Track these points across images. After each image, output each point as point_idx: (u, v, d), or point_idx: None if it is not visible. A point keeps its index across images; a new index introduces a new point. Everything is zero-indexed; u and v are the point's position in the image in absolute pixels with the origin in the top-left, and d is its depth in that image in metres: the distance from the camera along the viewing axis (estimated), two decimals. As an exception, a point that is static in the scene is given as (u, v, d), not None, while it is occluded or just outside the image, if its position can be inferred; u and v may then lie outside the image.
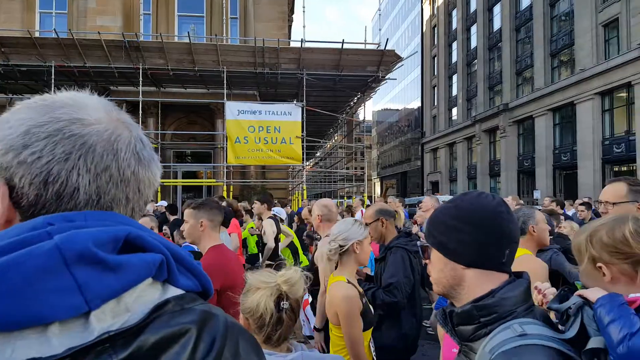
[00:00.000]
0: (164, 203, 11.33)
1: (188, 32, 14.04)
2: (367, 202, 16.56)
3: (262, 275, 1.62)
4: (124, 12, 16.42)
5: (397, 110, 59.14)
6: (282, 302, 1.56)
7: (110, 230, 0.58)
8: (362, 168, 21.45)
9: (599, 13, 21.93)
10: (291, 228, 8.71)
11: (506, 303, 1.00)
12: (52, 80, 13.49)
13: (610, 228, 1.33)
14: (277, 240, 6.02)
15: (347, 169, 27.55)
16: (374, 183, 68.39)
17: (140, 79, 13.77)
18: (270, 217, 6.08)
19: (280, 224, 6.39)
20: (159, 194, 14.76)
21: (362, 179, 19.81)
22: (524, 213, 2.78)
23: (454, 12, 40.59)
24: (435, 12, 44.72)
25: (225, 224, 4.91)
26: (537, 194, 24.17)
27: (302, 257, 6.79)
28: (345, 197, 27.56)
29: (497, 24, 33.18)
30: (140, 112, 14.15)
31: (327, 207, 3.65)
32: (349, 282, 2.38)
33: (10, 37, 13.39)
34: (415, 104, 50.76)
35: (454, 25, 40.55)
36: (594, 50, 22.10)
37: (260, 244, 6.27)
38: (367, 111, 72.85)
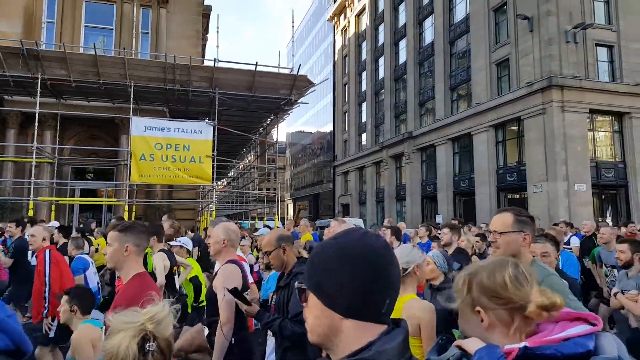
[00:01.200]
0: (56, 224, 10.14)
1: (94, 44, 13.50)
2: (278, 223, 16.78)
3: (125, 314, 1.43)
4: (24, 18, 15.39)
5: (311, 133, 60.71)
6: (147, 344, 1.37)
7: None
8: (275, 189, 21.73)
9: (492, 53, 24.69)
10: (204, 251, 8.34)
11: (383, 357, 0.91)
12: None
13: (490, 271, 1.29)
14: (173, 274, 5.27)
15: (260, 189, 27.62)
16: (287, 204, 68.93)
17: (39, 89, 12.93)
18: (161, 250, 5.23)
19: (180, 256, 5.81)
20: (53, 213, 13.74)
21: (275, 200, 20.05)
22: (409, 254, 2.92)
23: (364, 44, 43.14)
24: (347, 42, 47.16)
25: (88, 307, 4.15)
26: (439, 218, 26.04)
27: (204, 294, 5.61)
28: (257, 219, 27.56)
29: (402, 58, 35.81)
30: (37, 124, 13.23)
31: (235, 233, 3.41)
32: None
33: None
34: (328, 128, 52.57)
35: (364, 56, 43.01)
36: (488, 86, 24.73)
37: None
38: (281, 133, 73.77)
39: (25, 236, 6.64)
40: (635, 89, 20.98)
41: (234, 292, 2.89)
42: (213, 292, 3.16)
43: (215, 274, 3.38)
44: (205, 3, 19.01)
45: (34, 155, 13.18)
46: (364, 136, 42.62)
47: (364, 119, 42.71)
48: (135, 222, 2.86)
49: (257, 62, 14.23)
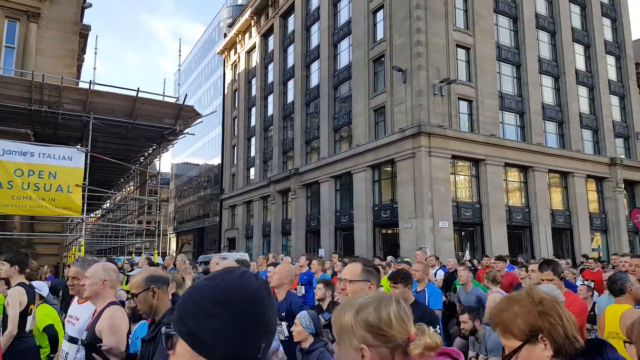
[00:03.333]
0: None
1: (-58, 54, 11.89)
2: (157, 258, 15.88)
3: None
4: None
5: (198, 165, 59.07)
6: None
7: None
8: (157, 222, 20.60)
9: (371, 99, 26.82)
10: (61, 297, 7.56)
11: None
12: None
13: (376, 307, 1.24)
14: (27, 313, 4.59)
15: (140, 222, 25.92)
16: (170, 238, 65.26)
17: None
18: (21, 284, 4.62)
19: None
20: None
21: (155, 234, 18.97)
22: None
23: (254, 81, 43.94)
24: (237, 77, 47.61)
25: None
26: (321, 252, 26.81)
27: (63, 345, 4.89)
28: (134, 254, 25.63)
29: (290, 97, 37.13)
30: None
31: (116, 273, 3.14)
32: None
33: None
34: (216, 160, 51.72)
35: (254, 92, 43.72)
36: (366, 130, 26.68)
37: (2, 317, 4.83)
38: (165, 163, 70.69)
39: None
40: (489, 139, 24.37)
41: (90, 346, 2.61)
42: (94, 338, 2.83)
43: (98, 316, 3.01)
44: (84, 22, 17.93)
45: None
46: (252, 170, 42.74)
47: (252, 153, 42.97)
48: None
49: (138, 88, 13.72)
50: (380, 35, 26.80)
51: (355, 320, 1.23)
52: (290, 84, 37.33)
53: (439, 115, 23.11)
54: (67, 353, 3.17)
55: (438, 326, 3.85)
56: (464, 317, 5.09)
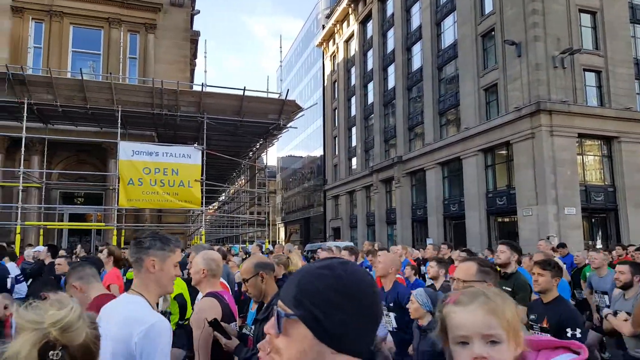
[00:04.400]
0: (41, 249, 10.18)
1: (80, 69, 13.45)
2: (268, 246, 16.52)
3: (35, 311, 1.19)
4: (11, 43, 15.33)
5: (301, 157, 60.83)
6: (51, 352, 1.16)
7: None
8: (266, 213, 21.52)
9: (481, 78, 24.99)
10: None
11: None
12: None
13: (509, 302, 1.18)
14: None
15: (251, 213, 27.36)
16: (279, 228, 68.41)
17: (25, 114, 12.76)
18: None
19: None
20: (41, 238, 13.46)
21: (265, 224, 19.82)
22: None
23: (353, 70, 43.71)
24: (336, 68, 47.77)
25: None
26: (429, 242, 25.94)
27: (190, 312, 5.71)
28: (247, 243, 27.17)
29: (391, 83, 36.26)
30: (23, 148, 13.04)
31: (215, 262, 3.21)
32: None
33: None
34: (318, 152, 52.72)
35: (353, 81, 43.52)
36: (476, 111, 24.96)
37: None
38: (271, 157, 73.88)
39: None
40: (623, 113, 21.32)
41: (214, 323, 2.75)
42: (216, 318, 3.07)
43: None
44: (193, 28, 19.16)
45: (21, 180, 13.05)
46: (354, 160, 42.75)
47: (353, 143, 42.93)
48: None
49: (245, 87, 14.26)
50: (488, 8, 24.74)
51: (516, 314, 1.15)
52: (391, 69, 36.41)
53: (561, 90, 20.71)
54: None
55: (578, 329, 3.23)
56: (623, 268, 4.51)
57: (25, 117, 12.83)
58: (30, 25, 15.72)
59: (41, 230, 13.95)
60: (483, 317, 1.11)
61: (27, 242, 12.31)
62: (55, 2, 15.83)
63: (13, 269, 7.38)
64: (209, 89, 14.55)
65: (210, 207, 29.26)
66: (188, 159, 13.91)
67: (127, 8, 16.54)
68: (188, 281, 7.64)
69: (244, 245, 23.07)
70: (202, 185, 14.00)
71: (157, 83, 13.37)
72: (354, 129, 42.92)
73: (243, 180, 25.36)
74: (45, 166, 14.56)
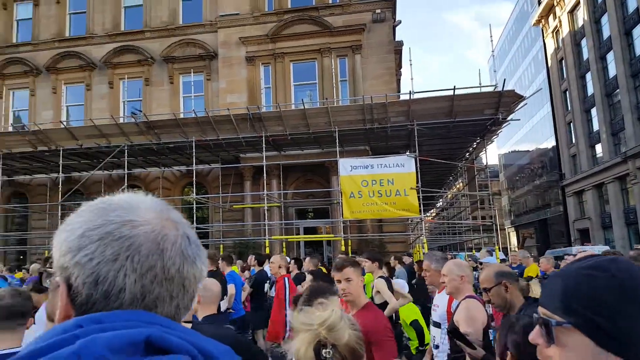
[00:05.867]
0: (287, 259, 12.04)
1: (302, 100, 15.16)
2: (499, 254, 15.23)
3: (305, 315, 1.43)
4: (248, 89, 18.42)
5: (528, 151, 54.64)
6: (323, 350, 1.34)
7: (126, 335, 0.58)
8: (492, 217, 20.01)
9: None
10: (410, 281, 8.37)
11: None
12: (193, 153, 15.50)
13: None
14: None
15: (474, 218, 25.87)
16: (508, 232, 62.71)
17: (263, 145, 15.06)
18: (381, 277, 5.79)
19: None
20: (284, 250, 15.62)
21: (492, 229, 18.40)
22: None
23: (583, 42, 37.28)
24: (561, 44, 41.58)
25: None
26: None
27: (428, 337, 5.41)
28: (474, 250, 25.72)
29: (638, 48, 29.53)
30: (265, 174, 15.38)
31: (469, 267, 3.33)
32: None
33: (160, 120, 15.83)
34: (549, 143, 46.50)
35: (585, 55, 37.08)
36: None
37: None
38: (492, 155, 68.86)
39: (265, 268, 8.09)
40: None
41: (454, 332, 2.79)
42: (454, 327, 3.09)
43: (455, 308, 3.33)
44: (396, 39, 19.44)
45: (265, 201, 15.37)
46: (598, 147, 36.19)
47: (595, 127, 36.39)
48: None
49: (454, 86, 13.58)
50: None
51: None
52: (636, 32, 29.69)
53: None
54: (434, 336, 3.69)
55: None
56: None
57: (264, 148, 15.14)
58: (261, 70, 18.61)
59: (284, 243, 16.18)
60: None
61: (273, 254, 14.44)
62: (278, 47, 18.37)
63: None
64: (416, 96, 14.45)
65: (428, 214, 28.93)
66: (402, 168, 14.03)
67: (335, 36, 17.96)
68: (416, 290, 7.68)
69: (470, 253, 21.89)
70: (418, 193, 13.88)
71: (366, 99, 13.99)
72: (593, 111, 36.41)
73: (461, 184, 24.23)
74: (282, 187, 16.87)
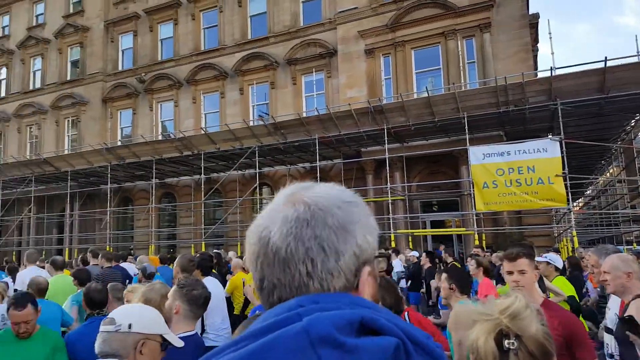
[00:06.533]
0: (416, 253, 11.79)
1: (426, 87, 14.48)
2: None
3: (484, 305, 1.32)
4: (368, 82, 18.22)
5: (701, 128, 45.74)
6: (505, 341, 1.21)
7: (346, 314, 0.62)
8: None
9: None
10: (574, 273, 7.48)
11: None
12: (317, 150, 15.86)
13: None
14: None
15: (632, 207, 22.35)
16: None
17: (385, 138, 14.76)
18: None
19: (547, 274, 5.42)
20: (410, 244, 15.17)
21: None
22: None
23: None
24: None
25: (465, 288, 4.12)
26: None
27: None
28: (634, 244, 22.19)
29: None
30: (388, 167, 15.08)
31: (636, 263, 3.02)
32: None
33: (286, 121, 16.46)
34: None
35: None
36: None
37: None
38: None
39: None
40: None
41: (629, 322, 2.53)
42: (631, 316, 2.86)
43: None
44: (530, 12, 17.53)
45: (389, 195, 15.13)
46: None
47: None
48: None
49: (606, 57, 11.75)
50: None
51: None
52: None
53: None
54: (607, 343, 3.32)
55: None
56: None
57: (386, 140, 14.82)
58: (380, 61, 18.24)
59: (409, 237, 15.72)
60: None
61: (398, 248, 14.40)
62: (397, 35, 17.80)
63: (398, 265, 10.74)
64: (559, 72, 12.81)
65: (575, 204, 25.80)
66: (544, 153, 12.59)
67: (460, 16, 16.82)
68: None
69: (630, 247, 18.90)
70: (565, 180, 12.34)
71: (499, 81, 12.85)
72: None
73: (616, 169, 21.07)
74: (405, 180, 16.36)
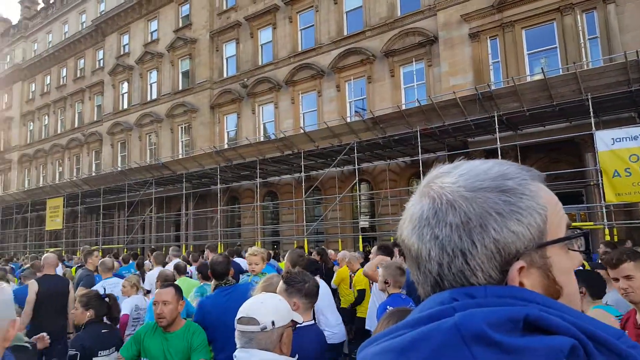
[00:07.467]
0: None
1: (542, 68, 13.25)
2: None
3: None
4: (473, 68, 17.20)
5: None
6: None
7: (504, 311, 0.57)
8: None
9: None
10: None
11: None
12: (418, 143, 15.32)
13: None
14: None
15: None
16: None
17: (496, 126, 13.78)
18: None
19: None
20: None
21: None
22: None
23: None
24: None
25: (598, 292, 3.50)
26: None
27: None
28: None
29: None
30: (500, 157, 14.05)
31: None
32: None
33: (385, 115, 16.16)
34: None
35: None
36: None
37: None
38: None
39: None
40: None
41: None
42: None
43: None
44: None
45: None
46: None
47: None
48: None
49: None
50: None
51: None
52: None
53: None
54: None
55: None
56: None
57: (497, 129, 13.82)
58: (487, 44, 17.11)
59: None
60: None
61: None
62: (505, 15, 16.57)
63: None
64: None
65: None
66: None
67: (575, -11, 15.22)
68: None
69: None
70: None
71: (630, 55, 11.35)
72: None
73: None
74: (520, 171, 15.08)
